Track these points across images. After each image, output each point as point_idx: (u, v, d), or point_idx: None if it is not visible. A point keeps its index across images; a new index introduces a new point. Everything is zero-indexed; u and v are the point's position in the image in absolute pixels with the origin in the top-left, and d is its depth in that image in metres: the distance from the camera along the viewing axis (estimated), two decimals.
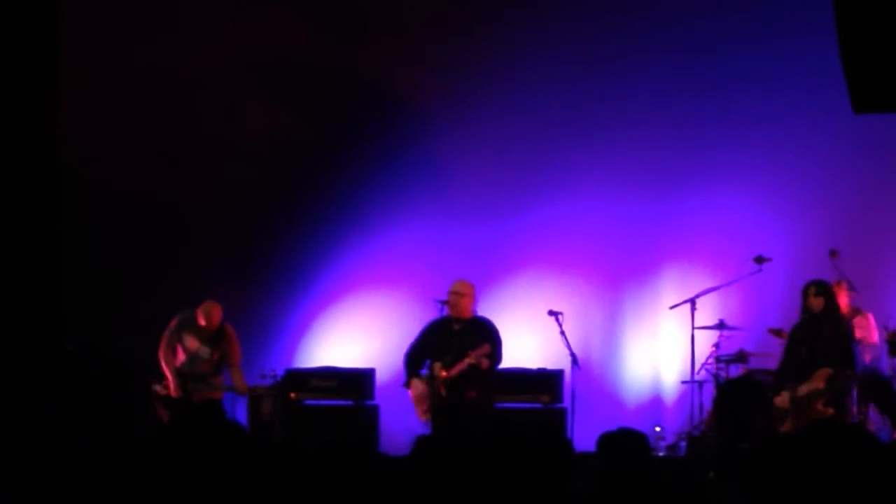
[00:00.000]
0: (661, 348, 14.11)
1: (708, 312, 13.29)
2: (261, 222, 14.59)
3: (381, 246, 14.45)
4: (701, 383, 13.08)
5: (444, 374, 11.89)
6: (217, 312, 12.32)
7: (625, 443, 5.73)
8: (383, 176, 14.44)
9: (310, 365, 14.08)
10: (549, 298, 13.44)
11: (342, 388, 13.55)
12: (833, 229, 13.45)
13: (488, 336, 12.00)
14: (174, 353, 12.34)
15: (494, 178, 14.44)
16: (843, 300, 12.54)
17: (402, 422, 12.81)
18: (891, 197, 13.80)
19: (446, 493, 5.13)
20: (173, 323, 12.37)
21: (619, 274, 14.30)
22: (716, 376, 12.93)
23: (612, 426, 6.00)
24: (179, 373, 12.27)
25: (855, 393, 11.80)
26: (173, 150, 14.54)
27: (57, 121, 13.78)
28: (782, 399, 11.50)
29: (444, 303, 12.12)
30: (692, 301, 13.15)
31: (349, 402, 13.50)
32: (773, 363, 12.74)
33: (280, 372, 13.50)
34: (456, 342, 11.96)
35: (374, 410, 13.52)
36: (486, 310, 12.45)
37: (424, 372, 12.11)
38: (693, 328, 13.09)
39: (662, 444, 13.37)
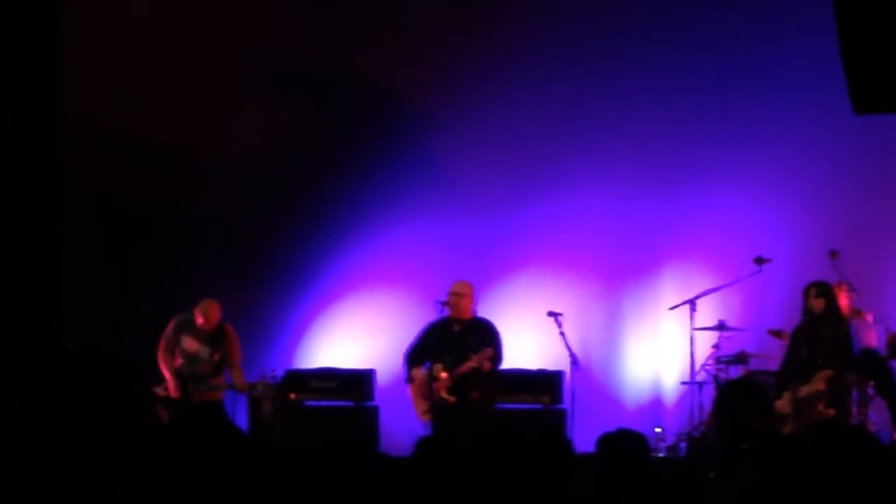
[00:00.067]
0: (660, 349, 14.11)
1: (708, 313, 13.28)
2: (261, 222, 14.58)
3: (381, 246, 14.45)
4: (701, 384, 13.08)
5: (443, 375, 11.88)
6: (215, 311, 12.29)
7: (624, 444, 5.73)
8: (383, 176, 14.44)
9: (310, 366, 14.08)
10: (549, 299, 13.44)
11: (342, 389, 13.54)
12: (833, 230, 13.45)
13: (488, 337, 11.99)
14: (173, 356, 12.32)
15: (494, 177, 14.44)
16: (843, 301, 12.54)
17: (403, 423, 12.80)
18: (891, 197, 13.80)
19: (447, 493, 5.13)
20: (171, 325, 12.35)
21: (619, 275, 14.30)
22: (716, 377, 12.93)
23: (611, 427, 5.99)
24: (179, 374, 12.26)
25: (855, 394, 11.80)
26: (173, 150, 14.54)
27: (57, 121, 13.77)
28: (783, 400, 11.50)
29: (444, 304, 12.11)
30: (692, 302, 13.15)
31: (349, 403, 13.50)
32: (773, 364, 12.74)
33: (280, 373, 13.50)
34: (456, 343, 11.95)
35: (374, 411, 13.51)
36: (486, 310, 12.45)
37: (424, 371, 12.09)
38: (693, 329, 13.09)
39: (662, 444, 13.37)
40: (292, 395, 13.42)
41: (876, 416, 12.30)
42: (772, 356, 12.90)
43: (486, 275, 13.71)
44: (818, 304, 11.63)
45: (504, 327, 12.26)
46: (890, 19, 9.19)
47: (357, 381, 13.57)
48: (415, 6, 14.60)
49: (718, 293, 13.35)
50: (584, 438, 8.26)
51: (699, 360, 13.10)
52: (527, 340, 13.58)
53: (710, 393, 12.91)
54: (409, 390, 12.26)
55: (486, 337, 11.98)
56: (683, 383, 13.49)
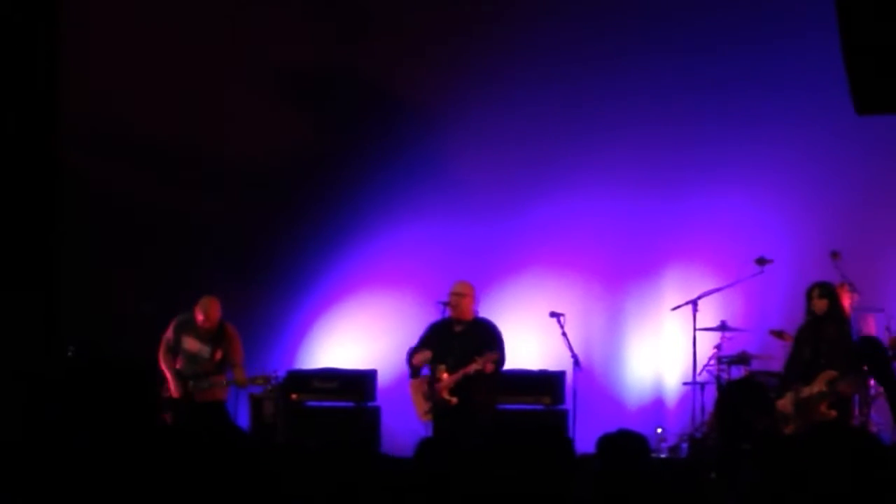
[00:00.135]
0: (662, 350, 14.10)
1: (710, 314, 13.27)
2: (262, 223, 14.58)
3: (382, 247, 14.44)
4: (703, 385, 13.07)
5: (445, 376, 11.87)
6: (215, 308, 12.27)
7: (624, 445, 5.71)
8: (384, 176, 14.43)
9: (311, 366, 14.07)
10: (551, 300, 13.43)
11: (344, 390, 13.54)
12: (835, 230, 13.44)
13: (490, 338, 11.96)
14: (174, 357, 12.29)
15: (496, 178, 14.43)
16: (846, 302, 12.52)
17: (404, 423, 12.79)
18: (893, 197, 13.79)
19: (449, 495, 5.11)
20: (171, 326, 12.33)
21: (621, 275, 14.29)
22: (717, 378, 12.92)
23: (613, 428, 5.98)
24: (180, 374, 12.24)
25: (857, 396, 11.79)
26: (174, 150, 14.53)
27: (57, 121, 13.77)
28: (786, 401, 11.49)
29: (445, 304, 12.09)
30: (694, 302, 13.14)
31: (351, 404, 13.49)
32: (774, 365, 12.73)
33: (282, 373, 13.49)
34: (458, 344, 11.93)
35: (376, 412, 13.50)
36: (487, 311, 12.43)
37: (426, 372, 12.08)
38: (695, 329, 13.07)
39: (664, 445, 13.37)
40: (294, 396, 13.41)
41: (878, 417, 12.29)
42: (774, 357, 12.89)
43: (487, 275, 13.70)
44: (821, 304, 11.61)
45: (506, 328, 12.24)
46: (892, 20, 9.17)
47: (359, 382, 13.57)
48: (415, 6, 14.60)
49: (720, 294, 13.34)
50: (585, 439, 8.24)
51: (701, 361, 13.08)
52: (528, 341, 13.57)
53: (711, 393, 12.90)
54: (410, 391, 12.24)
55: (488, 338, 11.97)
56: (685, 384, 13.48)
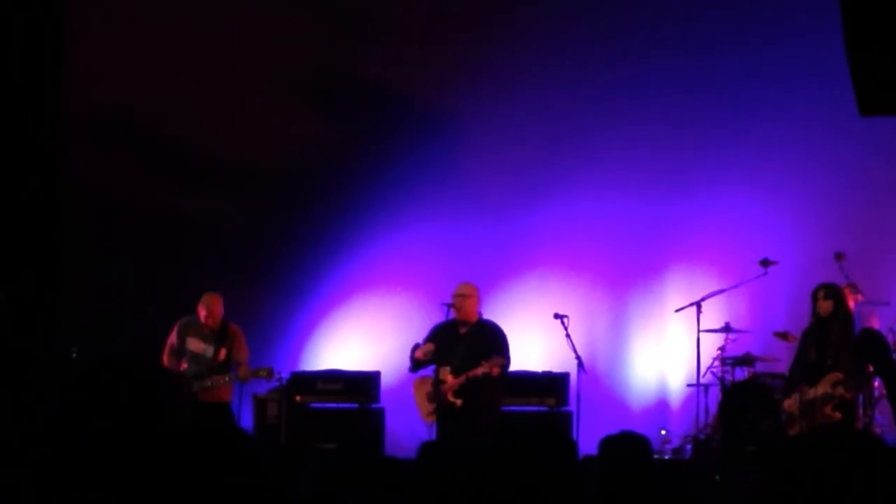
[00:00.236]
0: (666, 351, 14.11)
1: (714, 315, 13.27)
2: (266, 224, 14.59)
3: (386, 248, 14.45)
4: (707, 386, 13.07)
5: (450, 378, 11.87)
6: (217, 304, 12.26)
7: (626, 446, 5.73)
8: (388, 178, 14.44)
9: (315, 368, 14.07)
10: (555, 301, 13.43)
11: (348, 391, 13.54)
12: (839, 232, 13.44)
13: (495, 340, 11.96)
14: (178, 359, 12.28)
15: (499, 180, 14.44)
16: (850, 304, 12.52)
17: (408, 425, 12.80)
18: None
19: (451, 497, 5.12)
20: (174, 329, 12.34)
21: (625, 277, 14.30)
22: (721, 379, 12.92)
23: (618, 429, 6.00)
24: (184, 377, 12.24)
25: (861, 398, 11.79)
26: (179, 151, 14.54)
27: (60, 121, 13.77)
28: (791, 402, 11.48)
29: (449, 306, 12.10)
30: (698, 304, 13.13)
31: (355, 405, 13.49)
32: (778, 367, 12.74)
33: (286, 374, 13.49)
34: (463, 346, 11.94)
35: (380, 413, 13.51)
36: (492, 313, 12.44)
37: (429, 373, 12.08)
38: (699, 331, 13.06)
39: (668, 447, 13.37)
40: (298, 397, 13.42)
41: (881, 418, 12.29)
42: (778, 359, 12.90)
43: (492, 277, 13.71)
44: (826, 306, 11.58)
45: (510, 329, 12.25)
46: None
47: (363, 383, 13.57)
48: (417, 6, 14.60)
49: (724, 295, 13.33)
50: (589, 440, 8.26)
51: (705, 363, 13.08)
52: (533, 342, 13.58)
53: (715, 395, 12.90)
54: (413, 391, 12.25)
55: (493, 340, 11.97)
56: (689, 385, 13.48)
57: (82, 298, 13.78)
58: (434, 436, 11.79)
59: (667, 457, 13.09)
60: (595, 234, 14.29)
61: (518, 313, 13.69)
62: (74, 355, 12.63)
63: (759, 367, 12.96)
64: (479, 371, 11.73)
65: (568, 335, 12.57)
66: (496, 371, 11.78)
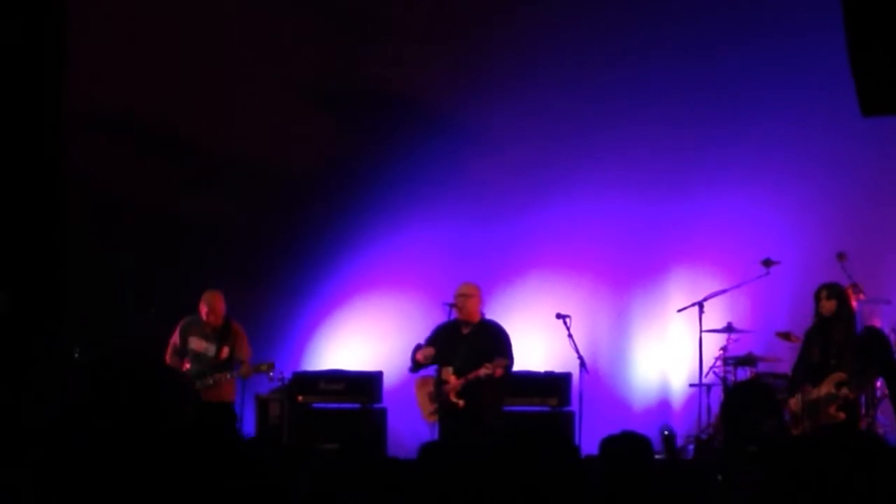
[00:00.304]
0: (668, 351, 14.10)
1: (716, 315, 13.27)
2: (267, 224, 14.59)
3: (388, 248, 14.45)
4: (709, 386, 13.07)
5: (452, 378, 11.86)
6: (219, 301, 12.26)
7: (627, 446, 5.72)
8: (390, 178, 14.44)
9: (318, 368, 14.08)
10: (557, 301, 13.43)
11: (350, 391, 13.54)
12: (841, 232, 13.44)
13: (498, 341, 11.96)
14: (181, 360, 12.28)
15: (501, 180, 14.44)
16: (853, 304, 12.51)
17: (410, 425, 12.81)
18: None
19: (452, 497, 5.12)
20: (177, 329, 12.34)
21: (627, 277, 14.29)
22: (724, 379, 12.92)
23: (620, 429, 5.99)
24: (187, 375, 12.23)
25: (863, 398, 11.78)
26: (177, 151, 14.55)
27: (61, 121, 13.77)
28: (794, 402, 11.48)
29: (451, 306, 12.09)
30: (700, 304, 13.13)
31: (357, 405, 13.49)
32: (781, 367, 12.74)
33: (288, 375, 13.50)
34: (465, 346, 11.93)
35: (382, 413, 13.51)
36: (494, 313, 12.44)
37: (431, 373, 12.08)
38: (701, 331, 13.06)
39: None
40: (300, 397, 13.42)
41: (884, 418, 12.28)
42: (780, 359, 12.90)
43: (494, 277, 13.71)
44: (829, 305, 11.58)
45: (512, 329, 12.25)
46: None
47: (365, 383, 13.57)
48: (419, 8, 14.60)
49: (726, 295, 13.33)
50: (591, 441, 8.26)
51: (707, 363, 13.08)
52: (535, 342, 13.58)
53: (718, 395, 12.90)
54: (415, 391, 12.25)
55: (495, 340, 11.96)
56: (691, 385, 13.47)
57: (83, 298, 13.79)
58: (436, 436, 11.79)
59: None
60: (597, 234, 14.29)
61: (520, 313, 13.69)
62: (76, 355, 12.64)
63: (762, 367, 12.96)
64: (482, 372, 11.72)
65: (570, 335, 12.57)
66: (499, 372, 11.77)
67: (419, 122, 14.54)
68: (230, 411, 12.23)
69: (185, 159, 14.61)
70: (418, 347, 12.16)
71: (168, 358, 12.28)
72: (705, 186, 14.11)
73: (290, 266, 14.53)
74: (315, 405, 13.53)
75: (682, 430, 13.58)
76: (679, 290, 13.91)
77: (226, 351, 12.25)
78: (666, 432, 7.64)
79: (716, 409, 12.80)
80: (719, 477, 10.08)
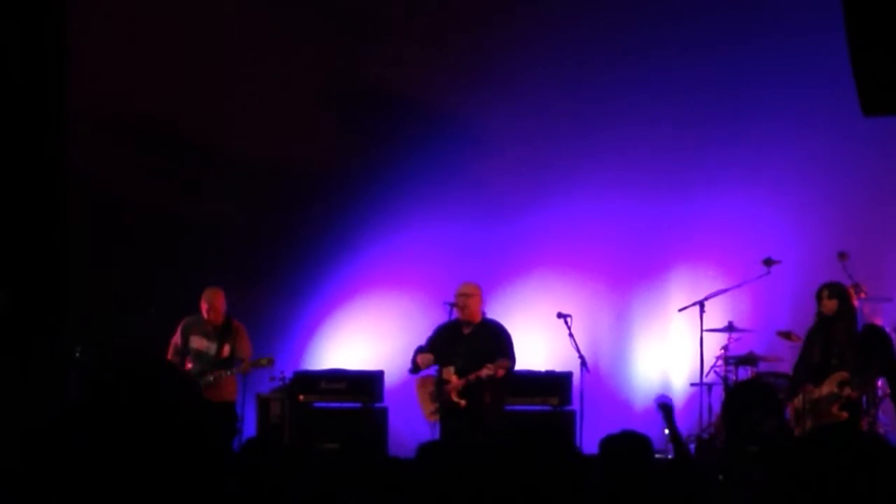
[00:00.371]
0: (669, 351, 14.10)
1: (717, 315, 13.27)
2: (268, 224, 14.59)
3: (389, 248, 14.45)
4: (710, 386, 13.07)
5: (454, 378, 11.86)
6: (219, 298, 12.26)
7: (627, 446, 5.72)
8: (391, 178, 14.44)
9: (319, 367, 14.08)
10: (558, 301, 13.43)
11: (351, 391, 13.55)
12: (842, 231, 13.44)
13: (499, 340, 11.95)
14: (182, 360, 12.27)
15: (502, 180, 14.44)
16: (854, 302, 12.51)
17: (411, 424, 12.81)
18: None
19: (452, 497, 5.12)
20: (178, 329, 12.34)
21: (628, 276, 14.29)
22: (725, 379, 12.91)
23: (621, 429, 5.99)
24: (190, 375, 12.24)
25: (864, 397, 11.77)
26: (178, 151, 14.55)
27: (62, 121, 13.77)
28: (796, 402, 11.47)
29: (452, 305, 12.09)
30: (701, 303, 13.13)
31: (358, 405, 13.49)
32: (782, 366, 12.75)
33: (289, 374, 13.50)
34: (467, 346, 11.93)
35: (383, 413, 13.51)
36: (495, 312, 12.44)
37: (432, 372, 12.08)
38: (702, 330, 13.06)
39: (671, 446, 13.35)
40: (301, 397, 13.42)
41: (885, 418, 12.28)
42: (781, 358, 12.90)
43: (495, 277, 13.71)
44: (831, 305, 11.58)
45: (513, 329, 12.25)
46: None
47: (366, 383, 13.57)
48: (422, 8, 14.60)
49: (727, 295, 13.33)
50: (592, 440, 8.26)
51: (708, 362, 13.08)
52: (536, 342, 13.58)
53: (719, 394, 12.90)
54: (416, 390, 12.25)
55: (496, 340, 11.96)
56: (692, 385, 13.47)
57: (83, 298, 13.79)
58: (437, 435, 11.79)
59: (670, 456, 13.07)
60: (597, 234, 14.28)
61: (521, 313, 13.69)
62: (77, 355, 12.65)
63: (763, 367, 12.96)
64: (484, 373, 11.72)
65: (571, 334, 12.57)
66: (501, 373, 11.78)
67: (419, 122, 14.54)
68: (231, 411, 12.26)
69: (185, 159, 14.62)
70: (419, 350, 12.16)
71: (169, 358, 12.27)
72: (706, 186, 14.10)
73: (290, 266, 14.53)
74: (316, 404, 13.53)
75: (684, 430, 13.56)
76: (680, 289, 13.91)
77: (227, 349, 12.25)
78: (662, 402, 7.61)
79: (717, 408, 12.81)
80: (720, 476, 10.09)
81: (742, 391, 12.30)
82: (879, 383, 11.98)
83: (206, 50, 14.47)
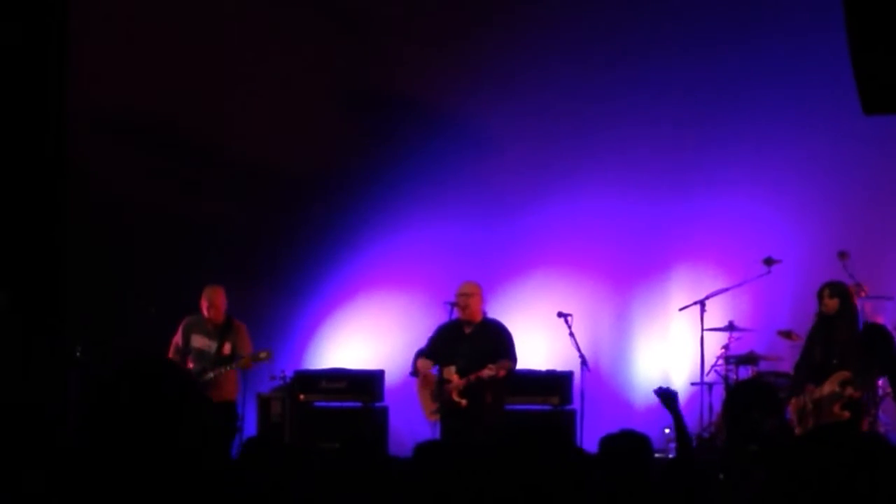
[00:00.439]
0: (670, 350, 14.10)
1: (717, 314, 13.27)
2: (269, 223, 14.59)
3: (390, 247, 14.45)
4: (710, 385, 13.07)
5: (455, 378, 11.85)
6: (220, 296, 12.25)
7: (626, 445, 5.72)
8: (391, 177, 14.44)
9: (319, 366, 14.08)
10: (559, 300, 13.43)
11: (352, 390, 13.55)
12: (843, 230, 13.44)
13: (500, 340, 11.95)
14: (183, 359, 12.26)
15: (503, 179, 14.44)
16: (855, 302, 12.50)
17: (412, 423, 12.80)
18: None
19: (451, 497, 5.12)
20: (179, 329, 12.33)
21: (629, 276, 14.29)
22: (725, 378, 12.91)
23: (621, 428, 5.99)
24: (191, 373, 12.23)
25: (866, 397, 11.76)
26: (179, 151, 14.55)
27: (59, 122, 13.78)
28: (798, 402, 11.46)
29: (453, 305, 12.09)
30: (702, 303, 13.14)
31: (359, 404, 13.49)
32: (782, 365, 12.74)
33: (289, 373, 13.50)
34: (467, 346, 11.92)
35: (384, 412, 13.51)
36: (495, 311, 12.44)
37: (434, 372, 12.08)
38: (703, 330, 13.07)
39: (672, 445, 13.35)
40: (302, 396, 13.42)
41: (885, 417, 12.28)
42: (781, 357, 12.90)
43: (495, 276, 13.71)
44: (832, 304, 11.56)
45: (514, 328, 12.25)
46: None
47: (366, 382, 13.58)
48: (421, 8, 14.60)
49: (728, 294, 13.33)
50: (593, 439, 8.26)
51: (709, 361, 13.08)
52: (536, 341, 13.57)
53: (719, 394, 12.90)
54: (416, 390, 12.25)
55: (498, 340, 11.96)
56: (693, 384, 13.47)
57: (83, 298, 13.80)
58: (437, 435, 11.79)
59: (671, 455, 13.07)
60: (598, 234, 14.28)
61: (521, 312, 13.68)
62: (78, 354, 12.65)
63: (763, 366, 12.96)
64: (485, 374, 11.71)
65: (571, 334, 12.57)
66: (503, 373, 11.77)
67: (419, 122, 14.54)
68: (232, 411, 12.27)
69: (185, 159, 14.62)
70: (420, 353, 12.16)
71: (171, 356, 12.27)
72: (706, 186, 14.10)
73: (290, 266, 14.53)
74: (317, 404, 13.53)
75: None
76: (680, 288, 13.91)
77: (228, 347, 12.24)
78: (663, 391, 7.60)
79: (717, 407, 12.80)
80: (721, 476, 10.08)
81: (743, 390, 12.23)
82: (880, 382, 11.97)
83: (206, 50, 14.48)
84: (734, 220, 14.05)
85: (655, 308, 14.21)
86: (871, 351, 11.48)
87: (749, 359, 12.93)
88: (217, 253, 14.34)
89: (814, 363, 11.49)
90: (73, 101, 14.08)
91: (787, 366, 12.45)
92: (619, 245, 14.27)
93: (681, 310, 13.41)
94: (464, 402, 11.79)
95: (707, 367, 13.07)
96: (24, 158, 13.45)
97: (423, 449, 5.56)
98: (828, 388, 11.34)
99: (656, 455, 6.08)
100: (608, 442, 5.71)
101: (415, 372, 12.15)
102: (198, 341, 12.27)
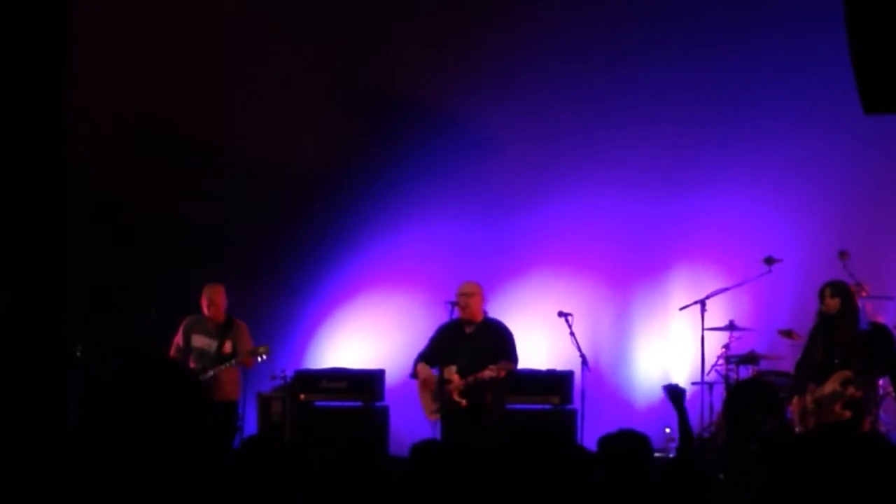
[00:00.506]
0: (671, 349, 14.09)
1: (718, 313, 13.27)
2: (269, 223, 14.59)
3: (390, 247, 14.45)
4: (711, 385, 13.07)
5: (456, 378, 11.84)
6: (220, 295, 12.25)
7: (625, 444, 5.72)
8: (391, 177, 14.44)
9: (320, 366, 14.08)
10: (559, 300, 13.42)
11: (352, 390, 13.55)
12: (843, 230, 13.43)
13: (501, 340, 11.93)
14: (184, 359, 12.25)
15: (503, 179, 14.44)
16: (856, 301, 12.49)
17: (412, 423, 12.79)
18: None
19: (451, 496, 5.12)
20: (181, 329, 12.34)
21: (629, 275, 14.29)
22: (726, 378, 12.91)
23: (622, 427, 5.98)
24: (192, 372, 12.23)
25: (867, 397, 11.76)
26: (179, 151, 14.55)
27: (60, 122, 13.79)
28: (799, 401, 11.45)
29: (453, 304, 12.08)
30: (702, 302, 13.13)
31: (359, 404, 13.49)
32: (783, 365, 12.74)
33: (290, 373, 13.50)
34: (468, 346, 11.91)
35: (384, 412, 13.51)
36: (496, 311, 12.43)
37: (434, 371, 12.07)
38: (703, 329, 13.07)
39: (672, 445, 13.35)
40: (302, 396, 13.42)
41: (886, 417, 12.27)
42: (782, 357, 12.90)
43: (496, 275, 13.70)
44: (833, 304, 11.55)
45: (514, 328, 12.23)
46: None
47: (367, 382, 13.58)
48: (420, 8, 14.60)
49: (728, 293, 13.33)
50: (593, 439, 8.25)
51: (709, 361, 13.08)
52: (537, 341, 13.57)
53: (720, 393, 12.89)
54: (417, 390, 12.24)
55: (499, 340, 11.94)
56: (694, 384, 13.45)
57: (83, 298, 13.81)
58: (438, 435, 11.79)
59: (671, 455, 13.07)
60: (598, 233, 14.28)
61: (522, 312, 13.68)
62: (78, 354, 12.66)
63: (764, 366, 12.96)
64: (486, 375, 11.70)
65: (572, 333, 12.56)
66: (503, 374, 11.77)
67: (419, 122, 14.54)
68: (233, 410, 12.27)
69: (185, 159, 14.62)
70: (420, 357, 12.15)
71: (172, 356, 12.28)
72: (705, 185, 14.10)
73: (290, 265, 14.53)
74: (317, 403, 13.53)
75: None
76: (681, 288, 13.91)
77: (228, 345, 12.25)
78: (671, 388, 7.60)
79: (718, 407, 12.79)
80: (721, 475, 10.07)
81: (743, 390, 12.22)
82: (881, 382, 11.97)
83: (206, 50, 14.48)
84: (734, 219, 14.05)
85: (656, 307, 14.20)
86: (873, 350, 11.47)
87: (749, 358, 12.93)
88: (217, 253, 14.34)
89: (815, 362, 11.48)
90: (73, 101, 14.09)
91: (787, 365, 12.45)
92: (620, 245, 14.27)
93: (681, 309, 13.41)
94: (464, 402, 11.78)
95: (707, 367, 13.07)
96: (24, 158, 13.45)
97: (420, 449, 5.56)
98: (829, 387, 11.34)
99: (656, 455, 6.08)
100: (607, 442, 5.71)
101: (414, 374, 12.15)
102: (198, 341, 12.28)
